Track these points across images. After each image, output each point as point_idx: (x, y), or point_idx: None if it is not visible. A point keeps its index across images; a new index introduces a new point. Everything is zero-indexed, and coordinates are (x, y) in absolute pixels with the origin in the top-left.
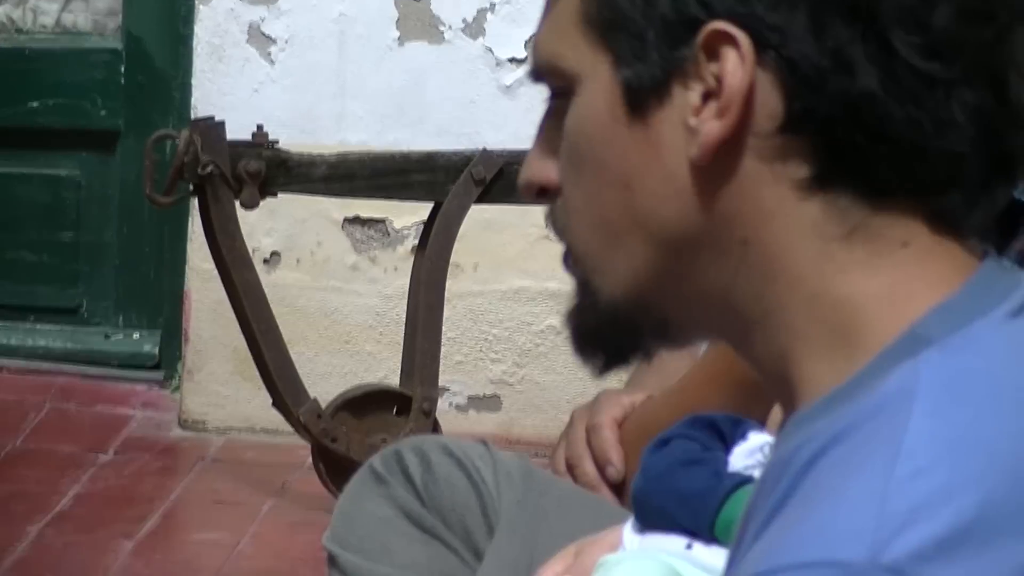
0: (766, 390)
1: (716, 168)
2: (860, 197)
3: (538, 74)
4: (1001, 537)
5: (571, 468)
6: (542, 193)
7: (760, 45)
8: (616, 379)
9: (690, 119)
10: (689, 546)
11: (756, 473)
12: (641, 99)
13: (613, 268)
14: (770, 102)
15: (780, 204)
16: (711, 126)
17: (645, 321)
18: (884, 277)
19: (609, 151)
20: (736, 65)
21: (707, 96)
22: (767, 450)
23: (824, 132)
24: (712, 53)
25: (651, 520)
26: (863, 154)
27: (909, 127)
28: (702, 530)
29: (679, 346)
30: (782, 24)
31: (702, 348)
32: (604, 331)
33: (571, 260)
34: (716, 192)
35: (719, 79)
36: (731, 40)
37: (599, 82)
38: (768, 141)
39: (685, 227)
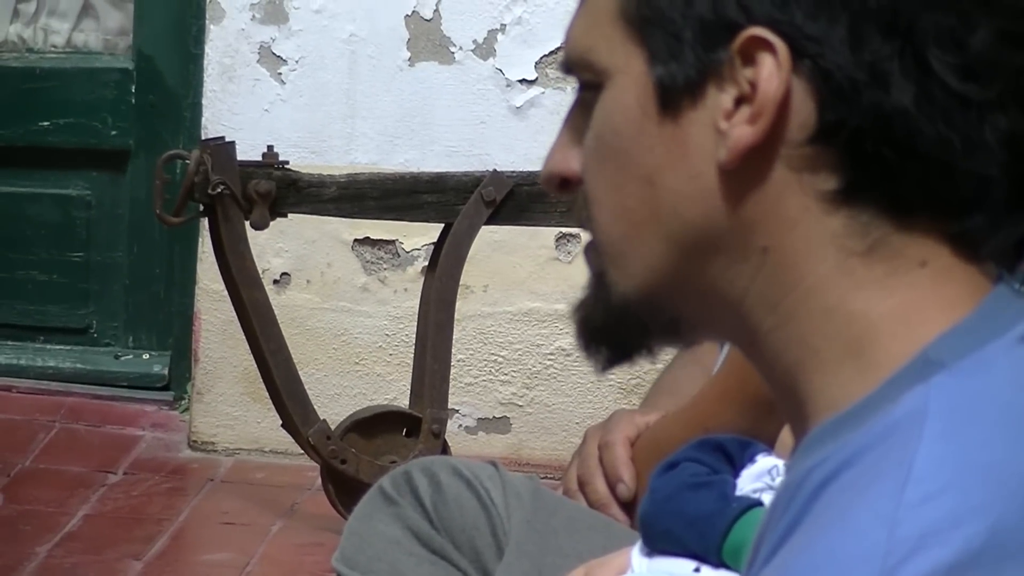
0: (775, 402)
1: (743, 173)
2: (883, 213)
3: (569, 66)
4: (1011, 562)
5: (582, 485)
6: (564, 184)
7: (797, 54)
8: (629, 402)
9: (721, 122)
10: (697, 569)
11: (764, 496)
12: (673, 97)
13: (630, 261)
14: (803, 111)
15: (804, 214)
16: (742, 131)
17: (655, 319)
18: (899, 296)
19: (635, 146)
20: (772, 72)
21: (739, 101)
22: (775, 473)
23: (854, 145)
24: (748, 58)
25: (659, 543)
26: (891, 169)
27: (939, 145)
28: (710, 553)
29: (687, 345)
30: (820, 35)
31: (716, 367)
32: (612, 326)
33: (592, 251)
34: (741, 197)
35: (753, 85)
36: (768, 47)
37: (631, 77)
38: (798, 150)
39: (706, 228)
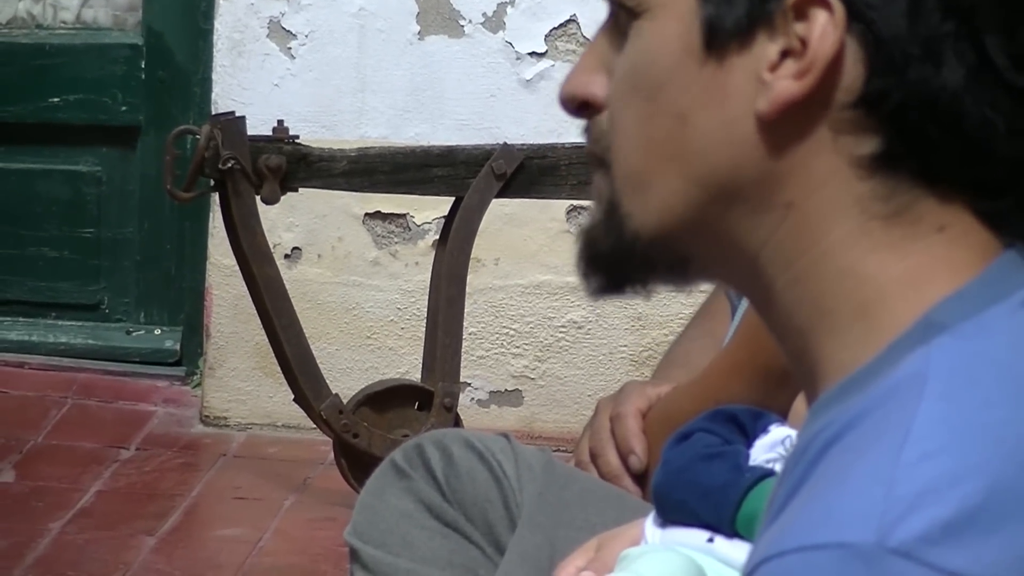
0: (789, 366)
1: (780, 126)
2: (911, 181)
3: None
4: (1008, 522)
5: (594, 457)
6: (583, 108)
7: (852, 17)
8: (641, 374)
9: (764, 73)
10: (711, 540)
11: (777, 466)
12: (720, 40)
13: (649, 196)
14: (850, 75)
15: (834, 175)
16: (786, 85)
17: (664, 257)
18: (912, 260)
19: (672, 81)
20: (826, 31)
21: (785, 54)
22: (788, 443)
23: (897, 116)
24: (800, 13)
25: (672, 514)
26: (930, 144)
27: (983, 128)
28: (723, 524)
29: (691, 286)
30: (879, 2)
31: (726, 339)
32: (617, 257)
33: (604, 180)
34: (773, 149)
35: (803, 41)
36: (825, 5)
37: (677, 12)
38: (839, 113)
39: (733, 175)
